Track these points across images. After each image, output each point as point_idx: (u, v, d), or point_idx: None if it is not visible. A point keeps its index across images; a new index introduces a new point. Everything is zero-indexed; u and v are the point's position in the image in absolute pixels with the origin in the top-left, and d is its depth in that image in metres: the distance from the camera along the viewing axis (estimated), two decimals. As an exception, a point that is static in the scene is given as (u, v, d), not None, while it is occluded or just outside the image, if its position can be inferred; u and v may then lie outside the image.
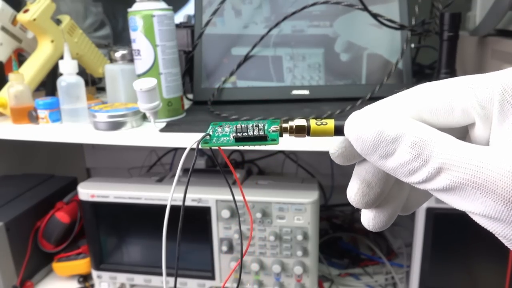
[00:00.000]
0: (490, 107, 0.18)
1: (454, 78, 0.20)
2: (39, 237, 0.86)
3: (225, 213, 0.72)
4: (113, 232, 0.84)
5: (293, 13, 0.75)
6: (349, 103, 0.66)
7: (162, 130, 0.65)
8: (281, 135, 0.23)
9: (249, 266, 0.75)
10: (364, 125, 0.19)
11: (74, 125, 0.71)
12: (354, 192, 0.22)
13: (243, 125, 0.23)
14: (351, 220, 1.04)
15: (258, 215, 0.71)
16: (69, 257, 0.88)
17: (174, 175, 0.88)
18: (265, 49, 0.79)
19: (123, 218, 0.82)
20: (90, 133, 0.67)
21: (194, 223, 0.76)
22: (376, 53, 0.77)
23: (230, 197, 0.73)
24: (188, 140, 0.62)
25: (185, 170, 0.89)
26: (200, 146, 0.23)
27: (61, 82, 0.71)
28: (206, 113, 0.72)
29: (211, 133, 0.24)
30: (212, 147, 0.24)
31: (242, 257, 0.24)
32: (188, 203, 0.74)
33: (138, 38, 0.66)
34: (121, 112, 0.66)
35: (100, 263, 0.84)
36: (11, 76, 0.71)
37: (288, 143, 0.60)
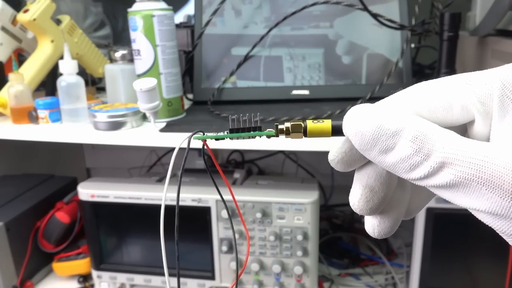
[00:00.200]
0: (489, 103, 0.18)
1: (451, 76, 0.20)
2: (39, 237, 0.86)
3: (225, 213, 0.72)
4: (113, 232, 0.84)
5: (293, 13, 0.75)
6: (349, 103, 0.66)
7: (162, 130, 0.65)
8: (277, 136, 0.22)
9: (249, 266, 0.75)
10: (364, 119, 0.19)
11: (74, 125, 0.71)
12: (357, 199, 0.21)
13: (237, 116, 0.23)
14: (351, 220, 1.04)
15: (258, 215, 0.71)
16: (69, 257, 0.88)
17: (174, 175, 0.88)
18: (265, 49, 0.79)
19: (123, 218, 0.82)
20: (90, 133, 0.67)
21: (194, 223, 0.76)
22: (376, 53, 0.77)
23: (230, 197, 0.72)
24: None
25: (185, 171, 0.89)
26: (193, 138, 0.23)
27: (61, 82, 0.71)
28: (206, 113, 0.72)
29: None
30: (207, 140, 0.23)
31: (237, 256, 0.24)
32: (188, 203, 0.74)
33: (138, 38, 0.66)
34: (121, 112, 0.66)
35: (100, 263, 0.84)
36: (11, 76, 0.71)
37: (288, 143, 0.60)
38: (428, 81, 0.20)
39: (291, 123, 0.22)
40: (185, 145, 0.24)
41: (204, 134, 0.23)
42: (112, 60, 0.76)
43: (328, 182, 1.06)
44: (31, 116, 0.71)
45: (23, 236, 0.84)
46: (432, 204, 0.67)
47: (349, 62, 0.78)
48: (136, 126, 0.68)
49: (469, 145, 0.17)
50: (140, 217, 0.81)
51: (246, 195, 0.72)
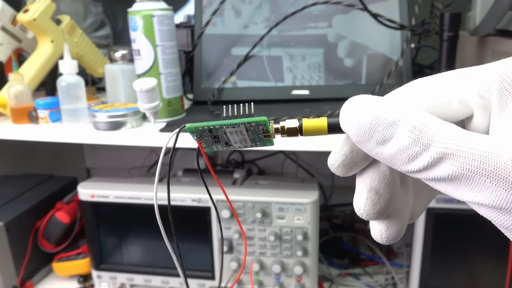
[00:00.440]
0: (488, 96, 0.18)
1: (448, 71, 0.19)
2: (39, 237, 0.86)
3: (225, 213, 0.72)
4: (113, 232, 0.84)
5: (293, 13, 0.75)
6: (349, 103, 0.66)
7: (162, 130, 0.65)
8: (269, 126, 0.22)
9: (249, 266, 0.75)
10: (360, 110, 0.18)
11: (74, 125, 0.71)
12: (363, 203, 0.20)
13: (231, 106, 0.23)
14: (351, 220, 1.04)
15: (258, 215, 0.71)
16: (69, 257, 0.88)
17: (174, 175, 0.88)
18: (265, 49, 0.79)
19: (123, 218, 0.82)
20: (90, 133, 0.67)
21: (194, 223, 0.76)
22: (376, 53, 0.77)
23: (231, 198, 0.73)
24: (188, 140, 0.62)
25: (185, 170, 0.89)
26: (186, 127, 0.23)
27: (61, 82, 0.71)
28: (206, 113, 0.72)
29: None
30: (199, 128, 0.23)
31: (222, 255, 0.24)
32: (188, 203, 0.74)
33: (138, 38, 0.66)
34: (121, 112, 0.66)
35: (100, 263, 0.84)
36: (11, 76, 0.71)
37: (288, 143, 0.60)
38: (425, 77, 0.20)
39: (287, 119, 0.22)
40: (173, 141, 0.24)
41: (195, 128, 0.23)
42: (112, 60, 0.76)
43: (328, 182, 1.06)
44: (31, 116, 0.71)
45: (23, 236, 0.84)
46: (432, 204, 0.67)
47: (349, 62, 0.78)
48: (136, 126, 0.68)
49: (472, 136, 0.16)
50: (140, 217, 0.81)
51: (246, 195, 0.72)
